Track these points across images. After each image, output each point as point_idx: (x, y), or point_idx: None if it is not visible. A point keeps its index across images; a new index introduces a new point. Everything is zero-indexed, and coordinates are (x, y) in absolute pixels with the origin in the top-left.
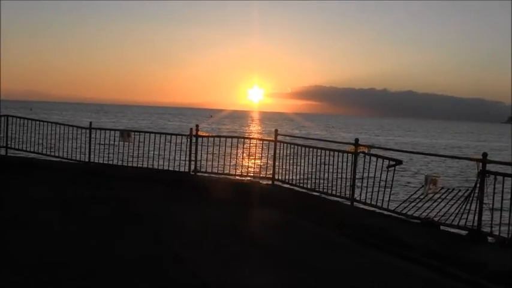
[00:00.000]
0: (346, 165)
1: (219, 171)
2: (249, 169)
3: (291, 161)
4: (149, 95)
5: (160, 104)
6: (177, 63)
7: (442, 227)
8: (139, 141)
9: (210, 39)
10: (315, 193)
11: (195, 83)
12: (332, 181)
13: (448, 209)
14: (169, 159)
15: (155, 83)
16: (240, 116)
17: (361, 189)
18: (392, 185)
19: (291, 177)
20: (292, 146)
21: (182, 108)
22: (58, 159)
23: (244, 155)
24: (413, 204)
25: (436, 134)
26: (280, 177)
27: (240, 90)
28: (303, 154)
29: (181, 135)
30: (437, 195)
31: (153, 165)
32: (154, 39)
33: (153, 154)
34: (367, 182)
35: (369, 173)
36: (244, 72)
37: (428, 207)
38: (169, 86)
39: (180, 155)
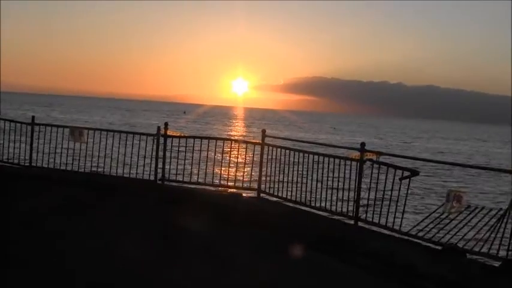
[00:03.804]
0: (350, 175)
1: (192, 180)
2: (230, 178)
3: (281, 169)
4: (121, 86)
5: (131, 96)
6: (152, 50)
7: (468, 255)
8: (93, 142)
9: (189, 23)
10: (310, 209)
11: (172, 73)
12: (332, 195)
13: (476, 233)
14: (130, 164)
15: (127, 73)
16: (221, 113)
17: (368, 205)
18: (406, 201)
19: (280, 189)
20: (282, 150)
21: (156, 102)
22: None
23: (225, 160)
24: (432, 225)
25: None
26: (267, 189)
27: (222, 81)
28: (295, 161)
29: (147, 134)
30: (463, 215)
31: (110, 170)
32: (127, 23)
33: (111, 157)
34: (375, 196)
35: (377, 185)
36: (229, 61)
37: (451, 229)
38: (143, 76)
39: (145, 159)
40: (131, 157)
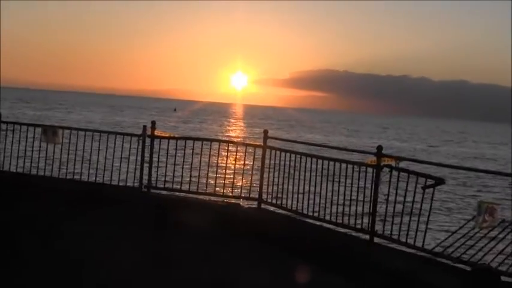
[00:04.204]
0: (365, 184)
1: (183, 188)
2: (227, 186)
3: (286, 176)
4: (109, 80)
5: (117, 91)
6: (145, 41)
7: (503, 278)
8: (69, 143)
9: (184, 10)
10: (318, 222)
11: (163, 66)
12: (344, 206)
13: None
14: (112, 169)
15: (117, 66)
16: (217, 111)
17: (385, 218)
18: (430, 214)
19: (284, 199)
20: (287, 154)
21: (145, 98)
22: None
23: (221, 165)
24: (460, 242)
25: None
26: (269, 199)
27: (220, 75)
28: (302, 166)
29: (131, 135)
30: (497, 231)
31: (88, 176)
32: (118, 13)
33: (89, 161)
34: (394, 208)
35: (396, 195)
36: (226, 52)
37: (483, 247)
38: (135, 69)
39: (129, 163)
40: (113, 161)
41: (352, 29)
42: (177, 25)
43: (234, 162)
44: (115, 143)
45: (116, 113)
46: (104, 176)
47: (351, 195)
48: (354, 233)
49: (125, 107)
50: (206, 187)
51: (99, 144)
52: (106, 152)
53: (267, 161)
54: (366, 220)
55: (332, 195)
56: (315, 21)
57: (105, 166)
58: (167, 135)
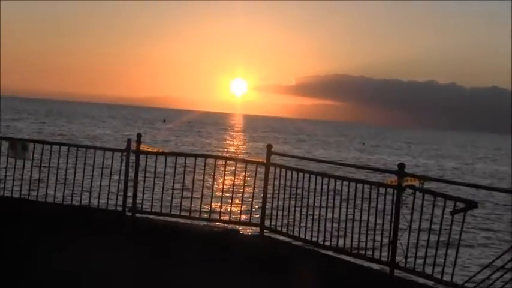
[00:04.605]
0: (384, 207)
1: (173, 212)
2: (224, 209)
3: (292, 198)
4: (97, 87)
5: (108, 99)
6: (141, 45)
7: None
8: (41, 158)
9: (181, 11)
10: (330, 252)
11: (161, 71)
12: (360, 233)
13: None
14: (90, 190)
15: (107, 70)
16: (214, 122)
17: (408, 248)
18: (459, 243)
19: (290, 225)
20: (294, 172)
21: (135, 107)
22: None
23: (217, 185)
24: (496, 276)
25: None
26: (272, 225)
27: (218, 81)
28: (311, 187)
29: (113, 150)
30: None
31: (63, 198)
32: (111, 14)
33: (65, 180)
34: (418, 236)
35: (420, 221)
36: (225, 56)
37: None
38: (132, 76)
39: (111, 182)
40: (91, 180)
41: (369, 28)
42: (176, 28)
43: (232, 181)
44: (94, 159)
45: (96, 124)
46: (81, 198)
47: (367, 220)
48: (371, 265)
49: (104, 117)
50: (200, 211)
51: (76, 161)
52: (84, 169)
53: (270, 181)
54: (385, 250)
55: (346, 221)
56: (325, 21)
57: (82, 186)
58: (155, 150)
